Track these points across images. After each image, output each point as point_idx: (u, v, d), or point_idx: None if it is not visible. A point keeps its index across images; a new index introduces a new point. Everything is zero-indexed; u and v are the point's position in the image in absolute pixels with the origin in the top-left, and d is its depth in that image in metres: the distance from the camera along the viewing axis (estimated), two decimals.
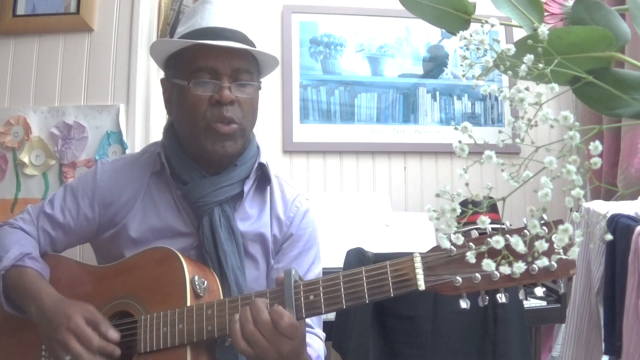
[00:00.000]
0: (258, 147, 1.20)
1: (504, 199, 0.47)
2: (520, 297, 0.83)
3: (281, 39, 2.47)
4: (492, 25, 0.51)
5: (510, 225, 0.87)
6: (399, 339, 1.44)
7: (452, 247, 0.81)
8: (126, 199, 1.15)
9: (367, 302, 0.89)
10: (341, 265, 1.52)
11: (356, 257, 1.50)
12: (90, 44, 1.70)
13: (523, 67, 0.45)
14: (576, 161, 0.41)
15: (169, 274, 1.01)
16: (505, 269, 0.44)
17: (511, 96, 0.44)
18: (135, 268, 1.06)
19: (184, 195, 1.13)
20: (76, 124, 1.65)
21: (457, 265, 0.85)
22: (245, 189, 1.15)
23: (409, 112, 2.52)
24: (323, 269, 1.24)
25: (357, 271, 0.91)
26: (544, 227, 0.43)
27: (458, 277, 0.84)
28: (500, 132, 0.48)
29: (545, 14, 0.53)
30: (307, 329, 1.03)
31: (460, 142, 0.46)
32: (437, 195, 0.47)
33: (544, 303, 1.79)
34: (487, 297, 0.84)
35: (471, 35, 0.49)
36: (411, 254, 0.90)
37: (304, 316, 0.93)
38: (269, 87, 2.26)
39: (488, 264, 0.45)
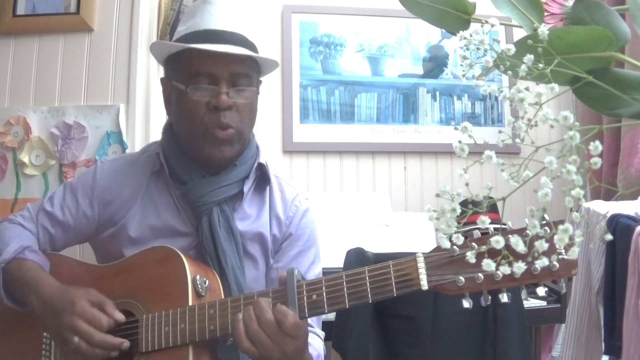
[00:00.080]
0: (257, 147, 1.20)
1: (504, 199, 0.47)
2: (523, 297, 0.84)
3: (281, 39, 2.47)
4: (492, 25, 0.51)
5: (511, 225, 0.87)
6: (399, 339, 1.44)
7: (455, 247, 0.81)
8: (126, 198, 1.15)
9: (370, 301, 0.90)
10: (341, 265, 1.52)
11: (356, 257, 1.50)
12: (90, 44, 1.70)
13: (523, 67, 0.45)
14: (576, 161, 0.41)
15: (170, 274, 1.01)
16: (505, 269, 0.44)
17: (511, 96, 0.44)
18: (136, 267, 1.06)
19: (183, 195, 1.13)
20: (76, 124, 1.65)
21: (459, 265, 0.85)
22: (245, 189, 1.15)
23: (409, 112, 2.52)
24: (323, 269, 1.25)
25: (359, 271, 0.91)
26: (546, 227, 0.43)
27: (461, 277, 0.84)
28: (500, 132, 0.48)
29: (545, 14, 0.53)
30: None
31: (460, 142, 0.46)
32: (437, 195, 0.47)
33: (544, 303, 1.79)
34: (490, 297, 0.84)
35: (471, 35, 0.49)
36: (412, 253, 0.90)
37: (306, 315, 0.93)
38: (269, 87, 2.27)
39: (488, 264, 0.45)
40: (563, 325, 1.71)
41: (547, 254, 0.43)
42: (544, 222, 0.54)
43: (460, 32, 0.50)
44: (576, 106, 2.24)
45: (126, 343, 0.98)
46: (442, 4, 0.56)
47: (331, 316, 1.48)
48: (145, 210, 1.15)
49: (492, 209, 1.87)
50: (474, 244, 0.49)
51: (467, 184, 0.47)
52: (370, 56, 2.52)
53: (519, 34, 0.51)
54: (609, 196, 2.00)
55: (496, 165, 0.44)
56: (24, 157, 1.65)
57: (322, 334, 1.18)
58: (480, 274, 0.83)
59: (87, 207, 1.16)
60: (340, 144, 2.45)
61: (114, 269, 1.09)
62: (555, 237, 0.41)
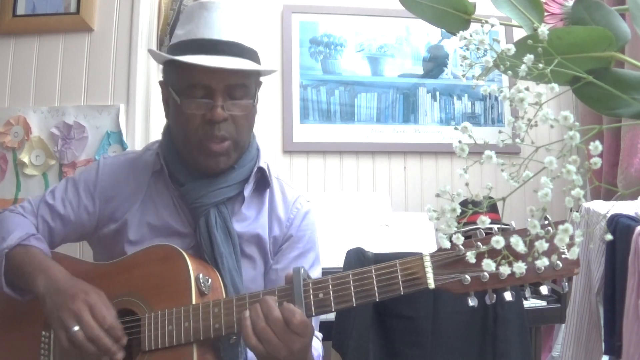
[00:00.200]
0: (258, 149, 1.20)
1: (504, 199, 0.47)
2: (527, 295, 0.85)
3: (281, 39, 2.47)
4: (492, 25, 0.51)
5: (514, 225, 0.88)
6: (399, 339, 1.44)
7: (461, 246, 0.82)
8: (127, 196, 1.16)
9: (377, 300, 0.90)
10: (341, 265, 1.52)
11: (356, 257, 1.50)
12: (90, 44, 1.70)
13: (523, 67, 0.45)
14: (576, 161, 0.41)
15: (173, 272, 1.01)
16: (506, 269, 0.44)
17: (511, 96, 0.44)
18: (138, 265, 1.06)
19: (181, 196, 1.13)
20: (76, 124, 1.65)
21: (465, 264, 0.86)
22: (246, 193, 1.15)
23: (409, 112, 2.52)
24: (323, 269, 1.25)
25: (366, 270, 0.92)
26: (549, 227, 0.43)
27: (467, 276, 0.85)
28: (500, 132, 0.48)
29: (545, 14, 0.53)
30: None
31: (460, 142, 0.46)
32: (437, 195, 0.47)
33: (544, 303, 1.79)
34: (494, 296, 0.85)
35: (471, 35, 0.49)
36: (413, 253, 0.91)
37: (313, 314, 0.93)
38: (269, 87, 2.26)
39: (488, 264, 0.45)
40: (563, 325, 1.71)
41: (547, 254, 0.43)
42: (546, 222, 0.54)
43: (460, 32, 0.50)
44: (576, 106, 2.24)
45: (121, 355, 0.97)
46: (442, 4, 0.56)
47: (331, 316, 1.48)
48: (145, 208, 1.15)
49: (492, 209, 1.87)
50: (479, 243, 0.49)
51: (467, 184, 0.47)
52: (370, 56, 2.52)
53: (519, 34, 0.51)
54: (609, 196, 2.00)
55: (496, 165, 0.44)
56: (24, 157, 1.65)
57: (319, 334, 1.18)
58: (485, 273, 0.84)
59: (89, 202, 1.16)
60: (340, 144, 2.45)
61: (115, 267, 1.09)
62: (556, 237, 0.41)
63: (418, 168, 2.50)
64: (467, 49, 0.49)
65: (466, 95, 2.55)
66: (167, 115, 1.18)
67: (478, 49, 0.48)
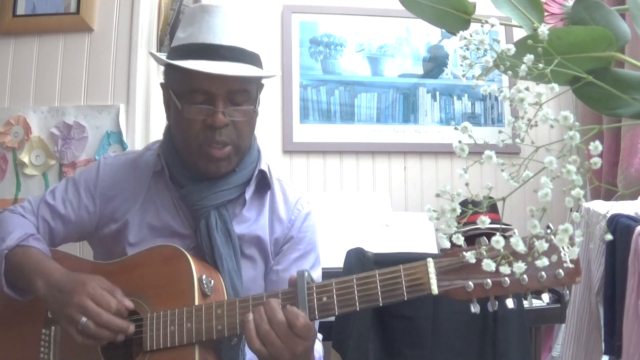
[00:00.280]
0: (259, 151, 1.20)
1: (504, 199, 0.47)
2: (528, 304, 0.86)
3: (281, 39, 2.47)
4: (492, 25, 0.51)
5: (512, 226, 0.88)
6: (399, 339, 1.44)
7: (464, 252, 0.82)
8: (128, 196, 1.15)
9: (380, 304, 0.91)
10: (341, 265, 1.52)
11: (356, 257, 1.50)
12: (90, 44, 1.70)
13: (523, 67, 0.45)
14: (576, 161, 0.41)
15: (176, 273, 1.02)
16: (505, 269, 0.44)
17: (511, 96, 0.44)
18: (141, 265, 1.06)
19: (182, 197, 1.13)
20: (76, 124, 1.65)
21: (469, 271, 0.87)
22: (247, 196, 1.15)
23: (409, 112, 2.52)
24: (323, 269, 1.25)
25: (370, 274, 0.92)
26: (550, 235, 0.43)
27: (470, 283, 0.86)
28: (500, 132, 0.48)
29: (545, 14, 0.53)
30: None
31: (460, 142, 0.46)
32: (437, 195, 0.47)
33: (543, 303, 1.79)
34: (497, 303, 0.86)
35: (471, 35, 0.49)
36: (413, 253, 0.91)
37: (316, 317, 0.94)
38: (269, 87, 2.26)
39: (488, 264, 0.45)
40: (563, 325, 1.71)
41: (547, 254, 0.43)
42: (549, 230, 0.54)
43: (460, 32, 0.50)
44: (576, 106, 2.24)
45: (132, 326, 0.98)
46: (442, 4, 0.56)
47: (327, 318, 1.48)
48: (146, 209, 1.15)
49: (492, 209, 1.87)
50: (483, 247, 0.49)
51: (467, 184, 0.47)
52: (370, 56, 2.52)
53: (519, 34, 0.51)
54: (609, 196, 2.00)
55: (496, 165, 0.44)
56: (24, 157, 1.65)
57: (319, 335, 1.18)
58: (489, 280, 0.85)
59: (89, 202, 1.16)
60: (340, 144, 2.45)
61: (117, 267, 1.09)
62: (556, 237, 0.41)
63: (418, 168, 2.50)
64: (467, 49, 0.49)
65: (466, 95, 2.55)
66: (168, 118, 1.17)
67: (478, 49, 0.48)
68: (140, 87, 1.70)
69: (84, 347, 1.01)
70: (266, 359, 0.92)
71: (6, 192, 1.65)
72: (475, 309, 0.86)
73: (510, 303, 0.87)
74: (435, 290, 0.88)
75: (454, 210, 0.45)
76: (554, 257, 0.44)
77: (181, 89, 1.07)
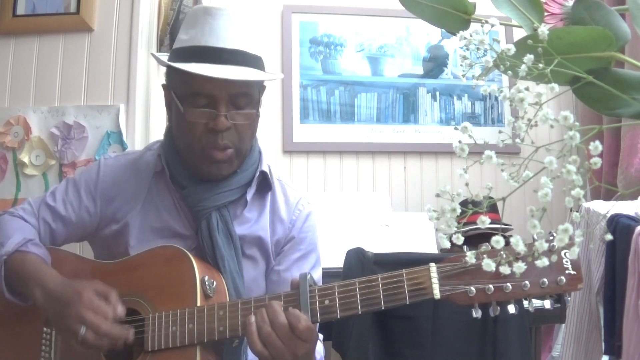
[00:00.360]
0: (260, 152, 1.20)
1: (504, 199, 0.47)
2: (530, 309, 0.86)
3: (281, 39, 2.47)
4: (492, 25, 0.51)
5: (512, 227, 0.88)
6: (399, 339, 1.44)
7: (466, 258, 0.83)
8: (128, 197, 1.15)
9: (382, 308, 0.91)
10: (341, 265, 1.52)
11: (356, 257, 1.50)
12: (90, 44, 1.70)
13: (523, 67, 0.45)
14: (576, 161, 0.41)
15: (178, 273, 1.02)
16: (505, 269, 0.44)
17: (511, 96, 0.44)
18: (143, 266, 1.06)
19: (183, 198, 1.13)
20: (76, 124, 1.65)
21: (471, 276, 0.87)
22: (248, 197, 1.15)
23: (409, 112, 2.52)
24: (323, 269, 1.25)
25: (373, 278, 0.93)
26: (554, 244, 0.43)
27: (472, 288, 0.87)
28: (500, 132, 0.48)
29: (545, 14, 0.53)
30: None
31: (460, 142, 0.46)
32: (437, 195, 0.47)
33: (543, 305, 1.79)
34: (498, 308, 0.87)
35: (471, 35, 0.49)
36: (413, 254, 0.92)
37: (318, 320, 0.94)
38: (269, 87, 2.26)
39: (488, 264, 0.45)
40: (563, 325, 1.71)
41: (547, 254, 0.43)
42: (551, 237, 0.54)
43: (460, 32, 0.50)
44: (576, 106, 2.24)
45: (132, 333, 0.98)
46: (442, 4, 0.56)
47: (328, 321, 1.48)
48: (147, 210, 1.15)
49: (492, 209, 1.87)
50: (483, 247, 0.49)
51: (467, 184, 0.47)
52: (370, 56, 2.52)
53: (519, 34, 0.51)
54: (609, 196, 2.00)
55: (496, 165, 0.44)
56: (24, 157, 1.65)
57: (320, 336, 1.18)
58: (490, 285, 0.86)
59: (90, 202, 1.16)
60: (340, 144, 2.45)
61: (119, 267, 1.09)
62: (556, 237, 0.41)
63: (418, 168, 2.50)
64: (467, 49, 0.49)
65: (466, 95, 2.55)
66: (169, 119, 1.17)
67: (478, 49, 0.48)
68: (140, 87, 1.70)
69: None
70: None
71: (6, 192, 1.65)
72: (477, 314, 0.87)
73: (512, 308, 0.87)
74: (437, 295, 0.89)
75: (454, 210, 0.45)
76: (554, 257, 0.44)
77: (183, 92, 1.07)
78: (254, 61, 1.09)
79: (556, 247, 0.41)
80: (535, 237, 0.42)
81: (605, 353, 1.55)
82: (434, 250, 1.99)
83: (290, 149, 2.43)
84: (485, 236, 0.83)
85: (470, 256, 0.49)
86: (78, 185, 1.18)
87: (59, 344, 1.06)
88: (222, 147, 1.06)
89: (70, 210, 1.16)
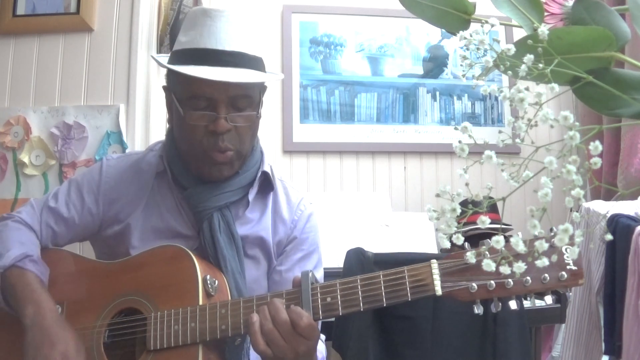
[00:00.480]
0: (262, 153, 1.20)
1: (504, 199, 0.47)
2: (531, 305, 0.86)
3: (281, 39, 2.47)
4: (492, 25, 0.51)
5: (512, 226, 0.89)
6: (399, 339, 1.44)
7: (467, 254, 0.83)
8: (131, 198, 1.15)
9: (384, 305, 0.92)
10: (341, 265, 1.52)
11: (356, 257, 1.50)
12: (90, 44, 1.70)
13: (523, 67, 0.45)
14: (576, 161, 0.41)
15: (180, 273, 1.02)
16: (505, 269, 0.44)
17: (511, 96, 0.44)
18: (145, 265, 1.06)
19: (184, 199, 1.13)
20: (76, 124, 1.65)
21: (472, 272, 0.87)
22: (250, 198, 1.15)
23: (409, 112, 2.52)
24: (323, 269, 1.25)
25: (374, 275, 0.93)
26: (554, 240, 0.43)
27: (474, 284, 0.87)
28: (500, 132, 0.48)
29: (545, 14, 0.53)
30: None
31: (460, 142, 0.46)
32: (437, 195, 0.47)
33: (543, 303, 1.79)
34: (500, 304, 0.87)
35: (471, 35, 0.49)
36: (413, 254, 0.92)
37: (320, 317, 0.94)
38: (269, 87, 2.27)
39: (488, 264, 0.45)
40: (563, 325, 1.71)
41: (547, 254, 0.43)
42: (552, 233, 0.54)
43: (460, 32, 0.50)
44: (576, 106, 2.24)
45: None
46: (442, 4, 0.56)
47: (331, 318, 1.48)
48: (149, 211, 1.15)
49: (492, 209, 1.87)
50: (484, 247, 0.49)
51: (467, 184, 0.47)
52: (370, 56, 2.52)
53: (519, 34, 0.51)
54: (609, 196, 2.00)
55: (496, 165, 0.44)
56: (24, 157, 1.65)
57: (322, 336, 1.18)
58: (492, 282, 0.86)
59: (92, 203, 1.16)
60: (340, 144, 2.45)
61: (121, 266, 1.09)
62: (556, 237, 0.41)
63: (418, 168, 2.50)
64: (467, 49, 0.49)
65: (466, 95, 2.55)
66: (170, 120, 1.17)
67: (478, 49, 0.48)
68: (140, 87, 1.70)
69: (86, 346, 1.01)
70: (270, 359, 0.92)
71: (6, 192, 1.65)
72: (478, 310, 0.87)
73: (513, 304, 0.87)
74: (439, 291, 0.89)
75: (454, 210, 0.45)
76: (554, 257, 0.44)
77: (183, 94, 1.07)
78: (253, 62, 1.09)
79: (557, 245, 0.41)
80: (537, 233, 0.42)
81: (605, 353, 1.55)
82: (434, 250, 1.99)
83: (290, 149, 2.43)
84: (485, 236, 0.84)
85: (470, 256, 0.49)
86: (80, 186, 1.18)
87: None
88: (222, 149, 1.06)
89: (72, 212, 1.16)
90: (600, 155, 0.41)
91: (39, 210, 1.16)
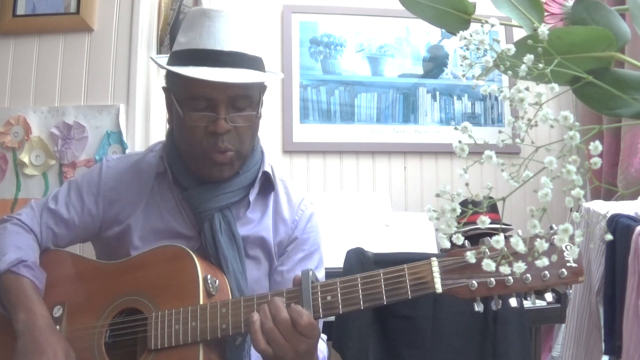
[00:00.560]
0: (262, 153, 1.19)
1: (504, 199, 0.47)
2: (531, 303, 0.86)
3: (281, 39, 2.47)
4: (492, 25, 0.51)
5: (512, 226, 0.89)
6: (399, 339, 1.44)
7: (467, 252, 0.83)
8: (131, 199, 1.15)
9: (384, 303, 0.91)
10: (341, 265, 1.52)
11: (356, 257, 1.50)
12: (90, 44, 1.70)
13: (523, 67, 0.45)
14: (576, 161, 0.41)
15: (181, 272, 1.02)
16: (505, 269, 0.44)
17: (511, 96, 0.44)
18: (146, 265, 1.06)
19: (185, 199, 1.13)
20: (76, 124, 1.65)
21: (472, 270, 0.87)
22: (251, 198, 1.15)
23: (409, 112, 2.52)
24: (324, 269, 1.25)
25: (375, 273, 0.93)
26: (554, 236, 0.43)
27: (474, 281, 0.87)
28: (500, 132, 0.48)
29: (545, 14, 0.53)
30: None
31: (460, 142, 0.46)
32: (437, 195, 0.47)
33: (544, 303, 1.79)
34: (500, 301, 0.87)
35: (471, 35, 0.49)
36: (413, 254, 0.92)
37: (321, 316, 0.94)
38: (269, 87, 2.27)
39: (488, 264, 0.45)
40: (563, 325, 1.71)
41: (548, 254, 0.43)
42: (551, 230, 0.54)
43: (460, 32, 0.50)
44: (576, 106, 2.24)
45: None
46: (442, 4, 0.56)
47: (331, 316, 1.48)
48: (149, 211, 1.15)
49: (492, 209, 1.87)
50: (484, 247, 0.49)
51: (467, 184, 0.47)
52: (370, 56, 2.52)
53: (519, 34, 0.51)
54: (609, 196, 2.00)
55: (496, 165, 0.44)
56: (24, 157, 1.65)
57: (324, 336, 1.18)
58: (492, 279, 0.86)
59: (92, 205, 1.16)
60: (340, 144, 2.45)
61: (122, 266, 1.09)
62: (556, 237, 0.41)
63: (418, 168, 2.50)
64: (467, 49, 0.49)
65: (466, 95, 2.55)
66: (170, 121, 1.17)
67: (478, 49, 0.48)
68: (140, 87, 1.70)
69: (87, 346, 1.01)
70: (270, 358, 0.92)
71: (6, 192, 1.65)
72: (479, 307, 0.87)
73: (513, 302, 0.87)
74: (439, 289, 0.89)
75: (454, 210, 0.45)
76: (554, 257, 0.44)
77: (182, 96, 1.06)
78: (253, 62, 1.08)
79: (555, 238, 0.41)
80: (536, 241, 0.42)
81: (605, 353, 1.55)
82: (434, 250, 1.99)
83: (290, 149, 2.43)
84: (485, 236, 0.84)
85: (470, 256, 0.49)
86: (80, 187, 1.18)
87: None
88: (222, 149, 1.06)
89: (73, 213, 1.16)
90: (600, 155, 0.41)
91: (39, 212, 1.16)
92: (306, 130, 2.44)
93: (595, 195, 2.08)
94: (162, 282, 1.03)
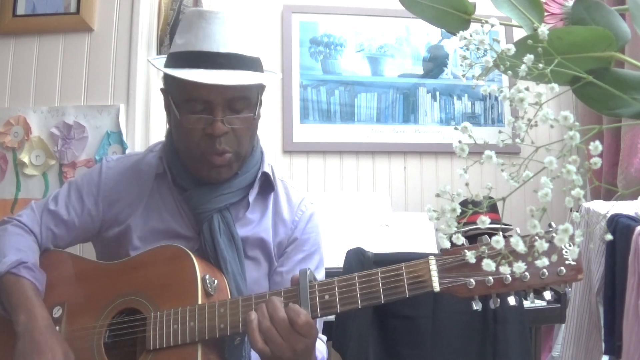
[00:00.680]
0: (262, 153, 1.19)
1: (504, 199, 0.47)
2: (530, 301, 0.86)
3: (281, 39, 2.47)
4: (492, 25, 0.51)
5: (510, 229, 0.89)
6: (399, 339, 1.44)
7: (465, 250, 0.82)
8: (131, 199, 1.15)
9: (382, 302, 0.91)
10: (341, 265, 1.52)
11: (356, 257, 1.50)
12: (90, 44, 1.70)
13: (523, 67, 0.45)
14: (576, 161, 0.40)
15: (180, 272, 1.02)
16: (505, 269, 0.44)
17: (511, 96, 0.44)
18: (145, 265, 1.06)
19: (184, 200, 1.13)
20: (76, 124, 1.65)
21: (470, 268, 0.87)
22: (250, 199, 1.15)
23: (409, 112, 2.52)
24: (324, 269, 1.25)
25: (372, 272, 0.93)
26: (553, 235, 0.43)
27: (472, 280, 0.87)
28: (500, 132, 0.48)
29: (545, 14, 0.53)
30: None
31: (460, 142, 0.46)
32: (437, 195, 0.47)
33: (544, 303, 1.79)
34: (499, 300, 0.87)
35: (471, 35, 0.49)
36: (413, 254, 0.91)
37: (319, 315, 0.94)
38: (269, 87, 2.27)
39: (488, 264, 0.45)
40: (563, 325, 1.71)
41: (547, 253, 0.43)
42: (550, 229, 0.54)
43: (460, 32, 0.49)
44: (576, 106, 2.24)
45: None
46: (442, 4, 0.56)
47: (331, 316, 1.48)
48: (149, 212, 1.15)
49: (492, 209, 1.87)
50: (484, 246, 0.49)
51: (467, 184, 0.47)
52: (370, 56, 2.52)
53: (519, 34, 0.51)
54: (609, 196, 2.00)
55: (496, 165, 0.44)
56: (24, 157, 1.65)
57: (324, 337, 1.18)
58: (490, 277, 0.86)
59: (92, 205, 1.16)
60: (340, 144, 2.45)
61: (121, 267, 1.09)
62: (556, 237, 0.41)
63: (418, 168, 2.50)
64: (467, 49, 0.49)
65: (466, 95, 2.55)
66: (168, 122, 1.17)
67: (478, 49, 0.48)
68: (140, 87, 1.70)
69: (87, 346, 1.01)
70: (268, 358, 0.92)
71: (6, 192, 1.65)
72: (477, 306, 0.87)
73: (512, 300, 0.87)
74: (436, 287, 0.89)
75: (454, 210, 0.45)
76: (554, 257, 0.44)
77: (179, 98, 1.06)
78: (250, 63, 1.08)
79: (555, 236, 0.41)
80: (536, 241, 0.42)
81: (605, 353, 1.55)
82: (434, 250, 1.99)
83: (290, 149, 2.43)
84: (487, 235, 0.84)
85: (470, 256, 0.49)
86: (80, 188, 1.18)
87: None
88: (220, 152, 1.06)
89: (72, 214, 1.16)
90: (600, 155, 0.41)
91: (39, 213, 1.16)
92: (306, 130, 2.44)
93: (595, 195, 2.08)
94: (161, 282, 1.03)
